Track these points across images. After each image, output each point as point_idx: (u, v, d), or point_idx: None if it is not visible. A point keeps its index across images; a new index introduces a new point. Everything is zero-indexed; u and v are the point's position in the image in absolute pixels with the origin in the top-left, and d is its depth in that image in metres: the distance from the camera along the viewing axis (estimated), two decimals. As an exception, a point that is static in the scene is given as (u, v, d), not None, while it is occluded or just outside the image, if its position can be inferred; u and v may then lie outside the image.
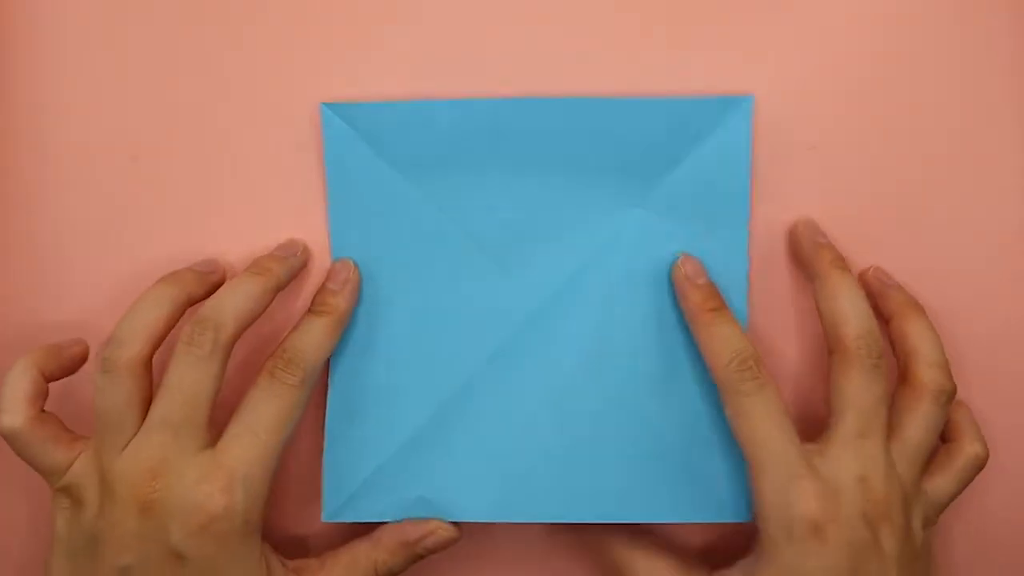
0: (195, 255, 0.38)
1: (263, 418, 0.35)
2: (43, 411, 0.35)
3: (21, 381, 0.35)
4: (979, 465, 0.37)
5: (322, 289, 0.37)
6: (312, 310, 0.37)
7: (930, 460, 0.36)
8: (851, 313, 0.35)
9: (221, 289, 0.36)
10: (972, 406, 0.39)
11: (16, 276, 0.39)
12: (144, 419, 0.35)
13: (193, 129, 0.38)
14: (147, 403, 0.35)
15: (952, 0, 0.38)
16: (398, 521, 0.37)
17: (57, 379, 0.36)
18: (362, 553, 0.37)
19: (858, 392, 0.35)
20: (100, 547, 0.34)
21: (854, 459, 0.34)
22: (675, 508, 0.37)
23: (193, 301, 0.36)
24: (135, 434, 0.34)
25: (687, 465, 0.37)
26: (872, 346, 0.35)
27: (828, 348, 0.36)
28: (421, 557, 0.37)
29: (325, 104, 0.37)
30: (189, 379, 0.34)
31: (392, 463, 0.37)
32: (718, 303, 0.36)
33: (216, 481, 0.34)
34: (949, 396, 0.36)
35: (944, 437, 0.37)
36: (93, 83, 0.38)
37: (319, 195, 0.38)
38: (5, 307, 0.39)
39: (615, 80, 0.38)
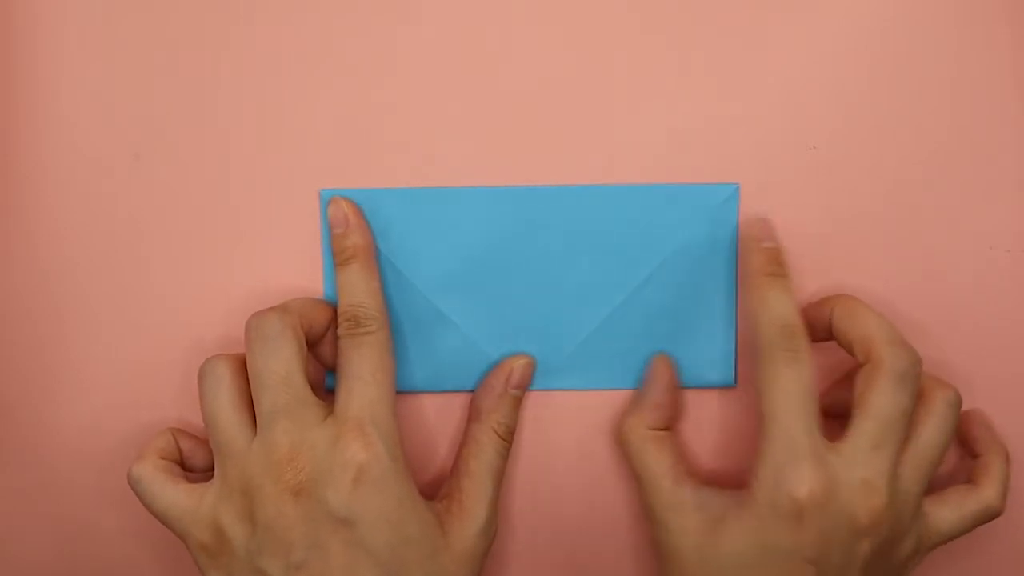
0: (196, 258, 0.38)
1: (364, 366, 0.35)
2: (166, 460, 0.36)
3: (157, 440, 0.37)
4: (990, 515, 0.37)
5: (333, 240, 0.37)
6: (338, 263, 0.37)
7: (943, 485, 0.37)
8: (878, 325, 0.36)
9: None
10: (970, 407, 0.39)
11: (16, 277, 0.39)
12: (254, 419, 0.35)
13: (195, 134, 0.38)
14: (251, 404, 0.35)
15: (952, 1, 0.38)
16: (478, 386, 0.38)
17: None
18: (475, 432, 0.37)
19: (884, 403, 0.35)
20: (265, 560, 0.34)
21: (863, 465, 0.34)
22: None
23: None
24: (254, 435, 0.35)
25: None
26: (904, 359, 0.35)
27: (859, 358, 0.36)
28: (519, 399, 0.38)
29: (324, 190, 0.38)
30: (278, 358, 0.35)
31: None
32: (778, 269, 0.36)
33: (348, 434, 0.34)
34: (956, 399, 0.36)
35: (971, 473, 0.37)
36: (93, 82, 0.38)
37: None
38: (5, 307, 0.39)
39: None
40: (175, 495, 0.35)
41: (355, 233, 0.37)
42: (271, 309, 0.35)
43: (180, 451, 0.37)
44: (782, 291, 0.36)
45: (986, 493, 0.37)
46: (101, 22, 0.38)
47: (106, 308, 0.39)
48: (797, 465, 0.34)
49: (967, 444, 0.38)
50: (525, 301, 0.38)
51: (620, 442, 0.38)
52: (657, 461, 0.37)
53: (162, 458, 0.37)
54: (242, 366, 0.36)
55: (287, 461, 0.34)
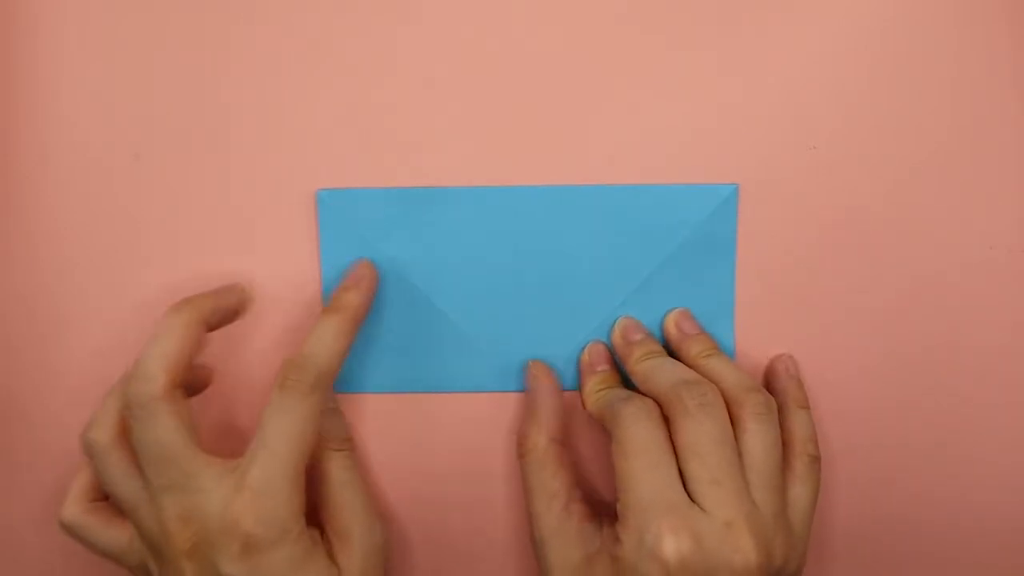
0: (196, 258, 0.38)
1: (278, 433, 0.34)
2: (95, 502, 0.37)
3: (79, 478, 0.37)
4: (814, 465, 0.37)
5: (337, 288, 0.37)
6: (326, 308, 0.37)
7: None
8: (660, 376, 0.36)
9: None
10: (970, 407, 0.39)
11: (16, 277, 0.39)
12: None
13: (194, 134, 0.38)
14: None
15: (952, 1, 0.38)
16: None
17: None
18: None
19: (692, 439, 0.34)
20: None
21: (717, 506, 0.33)
22: None
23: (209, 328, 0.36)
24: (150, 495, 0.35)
25: None
26: (691, 389, 0.35)
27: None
28: (332, 408, 0.38)
29: (322, 190, 0.38)
30: (151, 437, 0.34)
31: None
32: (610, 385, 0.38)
33: (241, 502, 0.33)
34: (765, 404, 0.36)
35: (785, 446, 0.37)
36: (93, 82, 0.38)
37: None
38: (5, 307, 0.39)
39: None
40: (108, 537, 0.36)
41: (355, 292, 0.37)
42: (139, 379, 0.34)
43: None
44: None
45: (799, 450, 0.37)
46: (101, 22, 0.38)
47: (106, 308, 0.39)
48: (658, 527, 0.33)
49: (773, 396, 0.38)
50: (525, 301, 0.38)
51: (519, 453, 0.37)
52: (553, 479, 0.36)
53: (89, 500, 0.37)
54: (123, 428, 0.35)
55: (178, 530, 0.34)
